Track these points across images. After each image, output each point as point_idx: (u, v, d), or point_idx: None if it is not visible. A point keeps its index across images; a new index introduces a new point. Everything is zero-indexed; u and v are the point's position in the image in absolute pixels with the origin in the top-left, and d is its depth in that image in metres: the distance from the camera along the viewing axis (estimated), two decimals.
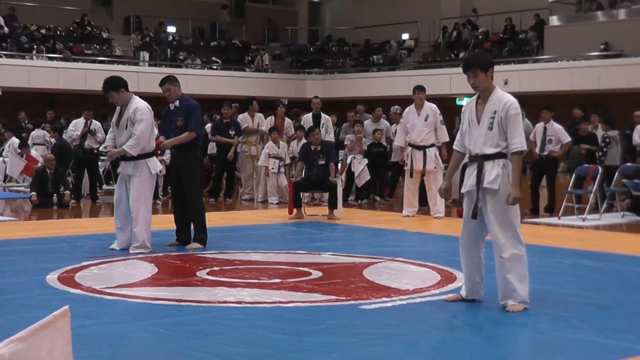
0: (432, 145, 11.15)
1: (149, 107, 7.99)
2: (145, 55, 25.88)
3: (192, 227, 8.48)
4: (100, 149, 13.29)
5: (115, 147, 7.99)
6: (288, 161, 13.49)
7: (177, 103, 8.38)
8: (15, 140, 16.36)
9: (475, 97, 5.61)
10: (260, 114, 14.28)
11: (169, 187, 14.45)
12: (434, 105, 11.26)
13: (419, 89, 11.38)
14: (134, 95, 8.00)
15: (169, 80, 8.39)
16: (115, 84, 7.91)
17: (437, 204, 11.19)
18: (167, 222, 10.67)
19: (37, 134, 16.84)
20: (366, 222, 10.87)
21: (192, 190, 8.37)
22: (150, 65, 25.55)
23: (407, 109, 11.45)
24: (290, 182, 11.61)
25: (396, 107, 14.14)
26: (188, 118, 8.30)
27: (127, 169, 7.93)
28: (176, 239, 8.45)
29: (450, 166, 5.96)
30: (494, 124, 5.39)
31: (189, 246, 8.22)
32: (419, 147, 11.10)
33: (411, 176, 11.21)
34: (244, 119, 14.05)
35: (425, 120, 11.12)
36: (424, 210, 11.73)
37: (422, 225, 10.50)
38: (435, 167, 11.17)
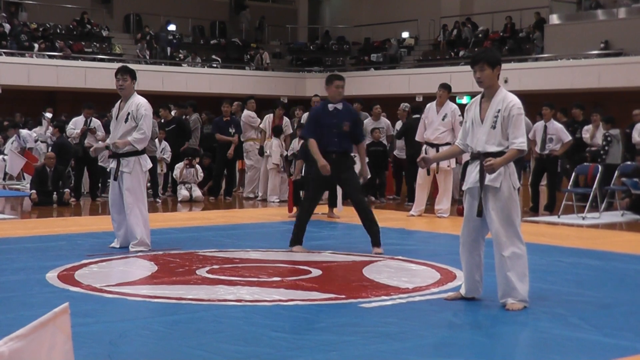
0: (447, 144, 10.96)
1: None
2: (145, 53, 25.88)
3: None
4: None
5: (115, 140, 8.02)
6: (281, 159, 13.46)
7: (339, 105, 8.02)
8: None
9: (479, 95, 5.61)
10: (286, 119, 14.18)
11: (169, 186, 14.53)
12: (455, 106, 11.10)
13: (442, 87, 11.21)
14: (135, 92, 8.05)
15: (343, 79, 8.11)
16: (132, 72, 8.05)
17: (443, 203, 11.15)
18: (167, 220, 10.69)
19: (40, 131, 16.85)
20: None
21: (360, 193, 8.04)
22: (150, 63, 25.54)
23: (428, 105, 11.29)
24: (290, 181, 11.60)
25: (405, 104, 14.04)
26: (356, 128, 8.09)
27: (118, 166, 7.92)
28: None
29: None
30: (497, 123, 5.40)
31: (375, 250, 7.83)
32: (432, 145, 10.97)
33: (428, 173, 11.12)
34: (270, 118, 13.91)
35: (443, 119, 10.97)
36: (427, 207, 11.67)
37: (421, 224, 10.49)
38: (448, 166, 11.05)
